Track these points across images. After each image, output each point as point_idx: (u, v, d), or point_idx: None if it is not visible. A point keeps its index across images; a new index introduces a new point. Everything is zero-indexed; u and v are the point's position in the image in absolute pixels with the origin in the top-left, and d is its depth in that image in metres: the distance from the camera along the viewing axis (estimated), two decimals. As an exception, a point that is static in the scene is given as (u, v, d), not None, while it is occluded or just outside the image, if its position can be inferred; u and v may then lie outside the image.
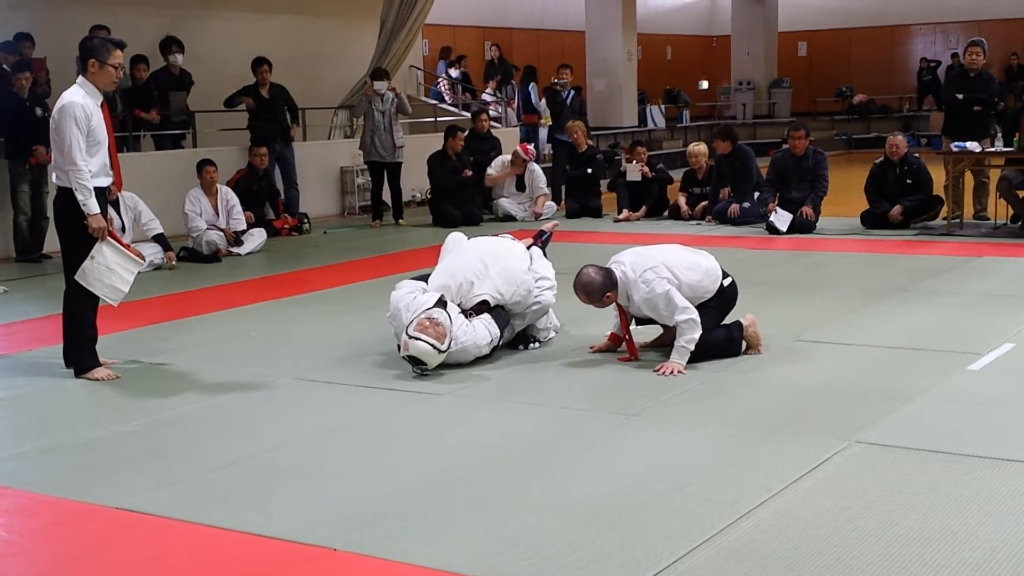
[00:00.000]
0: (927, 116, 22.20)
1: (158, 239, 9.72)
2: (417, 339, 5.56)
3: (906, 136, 11.63)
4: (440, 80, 18.14)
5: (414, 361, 5.63)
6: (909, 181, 10.66)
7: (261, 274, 9.54)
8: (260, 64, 12.12)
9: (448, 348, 5.64)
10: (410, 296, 5.95)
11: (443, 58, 19.01)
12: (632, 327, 6.00)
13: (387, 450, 4.60)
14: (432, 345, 5.56)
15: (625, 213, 12.18)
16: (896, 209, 10.56)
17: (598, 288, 5.77)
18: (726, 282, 5.97)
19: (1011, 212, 10.60)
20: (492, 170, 12.82)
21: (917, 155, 10.94)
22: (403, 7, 14.37)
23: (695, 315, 5.66)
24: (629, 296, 5.78)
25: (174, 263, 9.72)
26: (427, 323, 5.61)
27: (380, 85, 12.31)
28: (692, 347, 5.63)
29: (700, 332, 5.63)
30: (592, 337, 6.30)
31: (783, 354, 5.95)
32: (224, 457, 4.54)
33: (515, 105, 17.51)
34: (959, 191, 10.66)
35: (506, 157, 12.95)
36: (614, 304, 5.91)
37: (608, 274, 5.79)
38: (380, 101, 12.28)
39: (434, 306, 5.76)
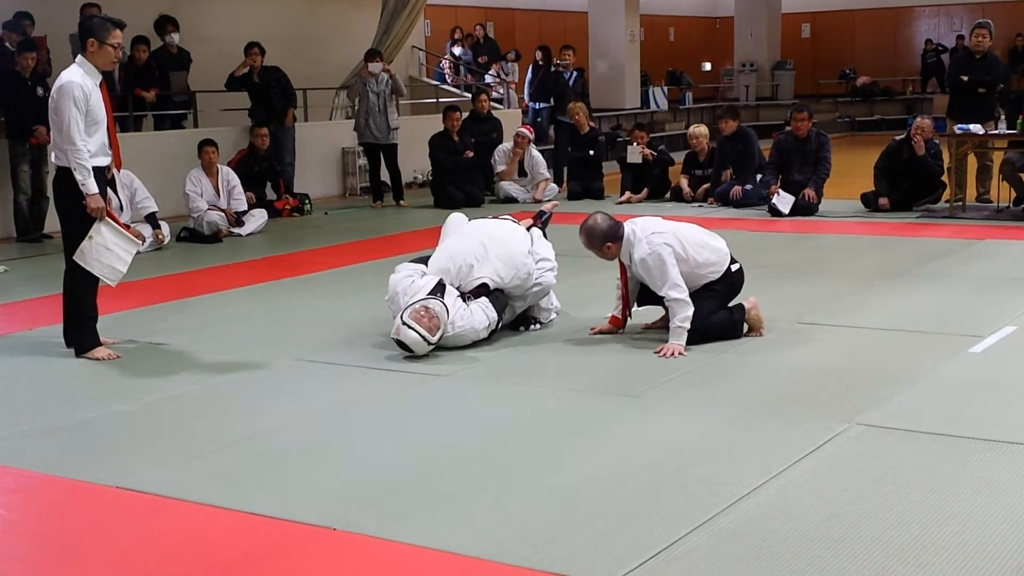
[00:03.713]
0: (931, 99, 22.13)
1: (149, 218, 9.69)
2: (409, 327, 5.55)
3: (933, 120, 11.32)
4: (443, 60, 18.04)
5: (402, 346, 5.63)
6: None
7: (262, 255, 9.52)
8: (251, 48, 12.09)
9: (439, 340, 5.63)
10: (408, 280, 5.94)
11: (452, 38, 18.94)
12: (634, 308, 5.99)
13: (387, 431, 4.61)
14: (423, 336, 5.55)
15: (627, 195, 12.16)
16: (883, 200, 10.55)
17: (599, 234, 5.76)
18: (734, 267, 5.96)
19: (1014, 195, 10.57)
20: (500, 164, 12.70)
21: (936, 141, 10.86)
22: (405, -13, 14.31)
23: (685, 295, 5.63)
24: (631, 255, 5.76)
25: (161, 237, 9.70)
26: (423, 312, 5.58)
27: (374, 66, 12.24)
28: (687, 325, 5.60)
29: (691, 310, 5.61)
30: (592, 319, 6.29)
31: (785, 336, 5.94)
32: (224, 437, 4.54)
33: (524, 85, 17.38)
34: (962, 174, 10.63)
35: (506, 146, 12.88)
36: (617, 278, 5.90)
37: (616, 226, 5.78)
38: (374, 82, 12.21)
39: (432, 290, 5.75)
